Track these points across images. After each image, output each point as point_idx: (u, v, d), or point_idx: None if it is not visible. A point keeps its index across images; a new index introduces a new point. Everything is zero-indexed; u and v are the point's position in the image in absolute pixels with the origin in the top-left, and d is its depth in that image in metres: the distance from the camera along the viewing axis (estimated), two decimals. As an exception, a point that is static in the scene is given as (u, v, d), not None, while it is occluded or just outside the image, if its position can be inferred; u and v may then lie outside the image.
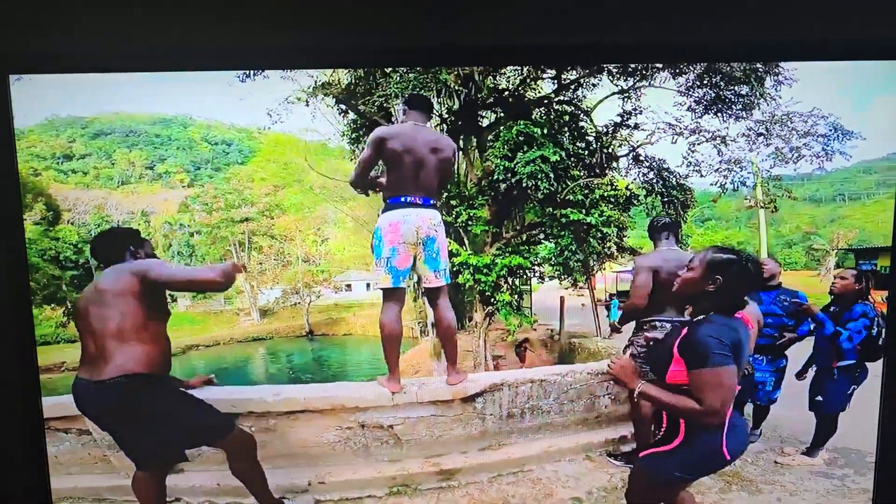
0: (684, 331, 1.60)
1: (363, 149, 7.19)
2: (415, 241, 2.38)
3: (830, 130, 5.69)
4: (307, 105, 6.68)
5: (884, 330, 2.62)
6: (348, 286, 12.86)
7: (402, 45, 1.54)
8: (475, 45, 1.53)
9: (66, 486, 2.24)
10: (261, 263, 12.39)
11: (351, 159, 7.71)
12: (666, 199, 6.30)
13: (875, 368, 2.67)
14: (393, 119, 6.45)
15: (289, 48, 1.54)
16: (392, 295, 2.40)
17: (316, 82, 6.39)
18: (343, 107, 6.78)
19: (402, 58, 1.81)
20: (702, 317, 1.61)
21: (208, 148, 14.13)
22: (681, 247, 2.80)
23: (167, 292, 2.07)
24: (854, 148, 5.68)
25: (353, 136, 7.09)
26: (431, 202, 2.43)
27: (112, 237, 1.97)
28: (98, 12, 1.48)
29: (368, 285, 12.83)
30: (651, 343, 2.49)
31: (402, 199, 2.38)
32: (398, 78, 5.78)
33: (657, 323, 2.62)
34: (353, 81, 6.23)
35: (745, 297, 2.07)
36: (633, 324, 2.73)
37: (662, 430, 1.74)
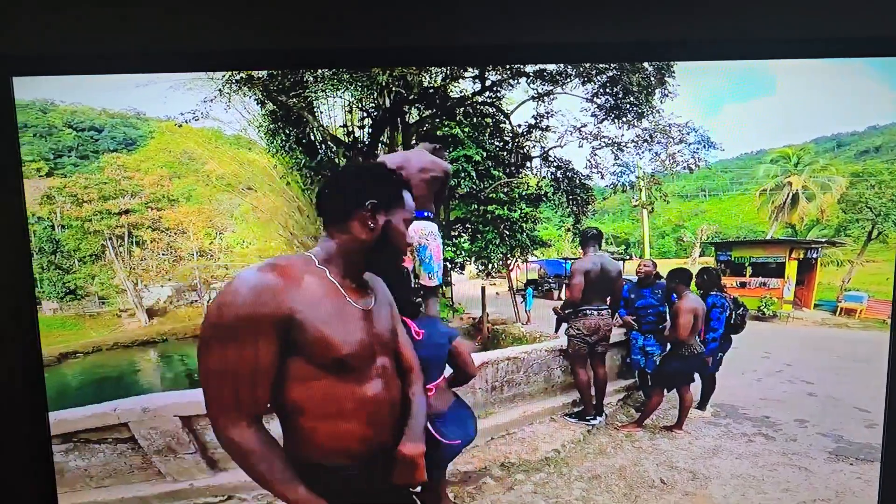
0: None
1: (283, 139, 6.94)
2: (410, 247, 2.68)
3: (698, 141, 6.70)
4: (220, 94, 6.35)
5: (734, 312, 3.47)
6: (252, 281, 12.18)
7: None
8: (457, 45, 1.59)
9: (105, 499, 2.17)
10: (143, 259, 11.27)
11: (268, 152, 7.47)
12: (571, 197, 7.06)
13: (737, 339, 3.53)
14: (316, 113, 6.42)
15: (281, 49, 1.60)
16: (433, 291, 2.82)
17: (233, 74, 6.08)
18: (261, 97, 6.52)
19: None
20: None
21: (73, 135, 12.49)
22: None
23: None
24: (717, 157, 6.71)
25: (272, 127, 6.85)
26: (425, 214, 2.77)
27: None
28: (99, 14, 1.49)
29: (274, 280, 12.24)
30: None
31: (427, 214, 2.80)
32: (329, 74, 5.77)
33: (587, 311, 3.26)
34: (279, 74, 6.06)
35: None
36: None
37: None
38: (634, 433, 3.18)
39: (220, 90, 6.23)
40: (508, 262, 6.98)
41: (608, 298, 3.41)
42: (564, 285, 8.26)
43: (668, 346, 3.36)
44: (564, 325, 5.78)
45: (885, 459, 1.79)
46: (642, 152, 6.78)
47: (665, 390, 3.32)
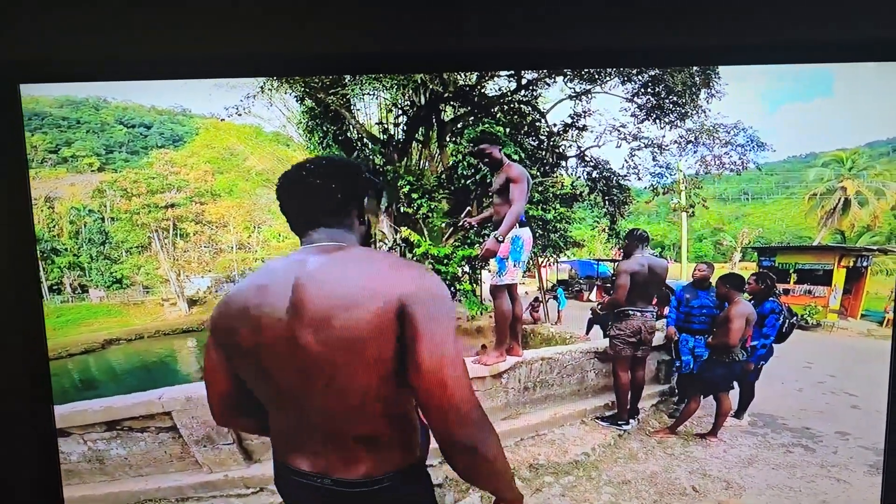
0: None
1: (321, 136, 6.98)
2: None
3: (747, 142, 6.46)
4: (262, 92, 6.53)
5: (787, 320, 3.36)
6: (287, 274, 12.46)
7: (395, 52, 1.54)
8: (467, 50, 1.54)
9: (143, 488, 2.21)
10: (186, 251, 11.71)
11: (307, 148, 7.63)
12: (607, 197, 6.94)
13: (779, 349, 3.41)
14: (353, 110, 6.52)
15: (287, 56, 1.56)
16: (512, 287, 2.94)
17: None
18: (300, 94, 6.65)
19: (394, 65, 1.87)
20: None
21: (123, 131, 13.02)
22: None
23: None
24: (765, 158, 6.46)
25: (310, 124, 6.97)
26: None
27: None
28: (105, 20, 1.46)
29: (308, 273, 12.50)
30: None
31: (525, 219, 2.91)
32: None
33: (630, 312, 3.20)
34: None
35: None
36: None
37: None
38: (667, 439, 3.13)
39: (261, 87, 6.43)
40: (540, 261, 6.92)
41: (654, 300, 3.37)
42: (596, 286, 8.16)
43: (709, 352, 3.30)
44: (596, 327, 5.74)
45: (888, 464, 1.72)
46: (685, 154, 6.65)
47: (702, 396, 3.27)
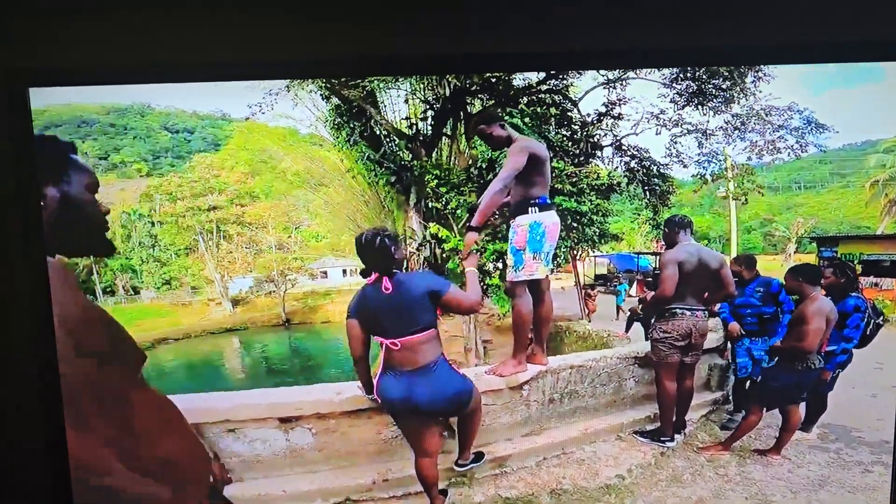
0: None
1: (348, 132, 6.90)
2: None
3: (804, 124, 5.95)
4: (288, 91, 6.51)
5: (872, 320, 2.85)
6: (324, 273, 12.76)
7: (409, 54, 1.54)
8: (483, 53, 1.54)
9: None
10: (230, 252, 12.13)
11: (335, 146, 7.58)
12: (647, 188, 6.55)
13: (858, 354, 2.92)
14: (379, 106, 6.40)
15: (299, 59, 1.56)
16: (537, 283, 2.56)
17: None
18: (325, 92, 6.61)
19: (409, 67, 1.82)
20: None
21: (168, 136, 13.59)
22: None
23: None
24: (828, 140, 5.93)
25: (337, 121, 6.92)
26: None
27: None
28: (113, 22, 1.46)
29: (345, 272, 12.76)
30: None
31: (549, 201, 2.51)
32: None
33: (677, 310, 2.77)
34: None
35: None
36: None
37: None
38: (719, 457, 2.74)
39: (286, 86, 6.41)
40: (574, 254, 6.62)
41: (705, 297, 2.84)
42: (637, 281, 7.75)
43: (777, 357, 2.84)
44: (636, 325, 5.37)
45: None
46: (733, 139, 6.18)
47: (765, 409, 2.88)
